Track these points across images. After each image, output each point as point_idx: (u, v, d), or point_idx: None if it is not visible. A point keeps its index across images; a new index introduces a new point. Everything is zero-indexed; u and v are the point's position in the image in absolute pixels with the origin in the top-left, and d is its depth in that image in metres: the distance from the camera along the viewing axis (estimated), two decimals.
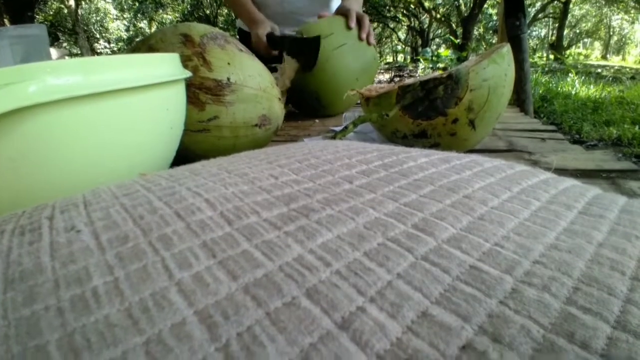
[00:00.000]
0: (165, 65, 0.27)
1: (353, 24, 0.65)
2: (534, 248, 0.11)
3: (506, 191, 0.15)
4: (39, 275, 0.09)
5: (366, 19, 0.68)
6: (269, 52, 0.69)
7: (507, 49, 0.35)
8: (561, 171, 0.37)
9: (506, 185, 0.16)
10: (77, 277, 0.09)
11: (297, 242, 0.11)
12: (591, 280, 0.09)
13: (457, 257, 0.10)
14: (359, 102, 0.81)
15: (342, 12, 0.68)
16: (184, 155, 0.35)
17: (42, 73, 0.19)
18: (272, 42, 0.70)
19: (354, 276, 0.10)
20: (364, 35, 0.67)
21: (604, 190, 0.17)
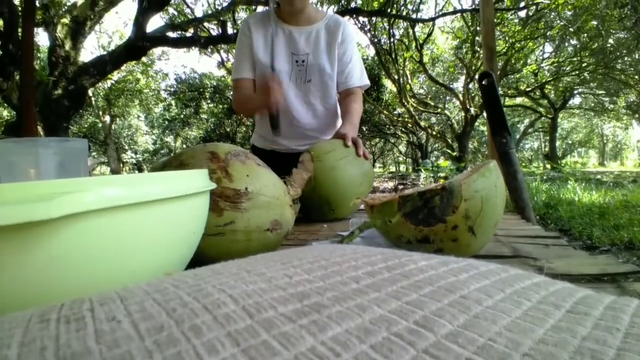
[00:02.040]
0: (196, 180, 0.31)
1: (349, 142, 0.82)
2: (523, 343, 0.12)
3: (500, 292, 0.16)
4: (88, 356, 0.10)
5: (359, 140, 0.85)
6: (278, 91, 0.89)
7: (493, 164, 0.40)
8: (566, 276, 0.38)
9: (500, 287, 0.17)
10: (122, 359, 0.10)
11: (310, 334, 0.12)
12: None
13: (455, 351, 0.12)
14: (362, 206, 0.88)
15: (340, 136, 0.86)
16: (197, 258, 0.37)
17: (99, 185, 0.23)
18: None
19: None
20: (360, 152, 0.82)
21: (609, 293, 0.18)
